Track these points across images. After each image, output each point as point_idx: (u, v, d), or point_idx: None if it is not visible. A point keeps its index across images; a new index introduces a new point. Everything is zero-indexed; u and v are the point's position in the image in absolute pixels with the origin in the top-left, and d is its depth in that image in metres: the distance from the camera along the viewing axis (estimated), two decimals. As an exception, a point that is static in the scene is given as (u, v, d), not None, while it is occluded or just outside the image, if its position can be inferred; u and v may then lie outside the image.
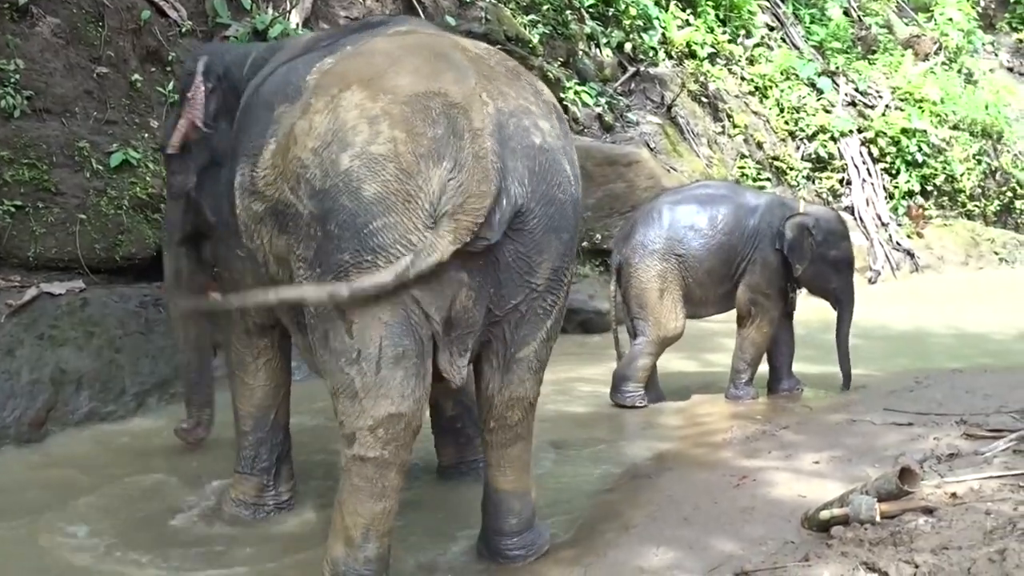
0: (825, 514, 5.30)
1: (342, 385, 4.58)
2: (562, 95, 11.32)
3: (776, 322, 8.38)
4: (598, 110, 11.66)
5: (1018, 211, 15.66)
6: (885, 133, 14.60)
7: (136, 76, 8.72)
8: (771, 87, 14.25)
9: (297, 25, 9.47)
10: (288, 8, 9.55)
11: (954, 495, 5.33)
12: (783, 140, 14.01)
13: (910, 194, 14.51)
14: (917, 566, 4.59)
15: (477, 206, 4.40)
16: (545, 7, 11.71)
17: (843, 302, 8.60)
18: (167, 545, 5.48)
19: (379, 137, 4.42)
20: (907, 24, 17.62)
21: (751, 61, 14.35)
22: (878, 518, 5.09)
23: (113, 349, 7.39)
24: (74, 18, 8.42)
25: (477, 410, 5.35)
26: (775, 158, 13.65)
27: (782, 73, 14.44)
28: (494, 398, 4.96)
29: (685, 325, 8.30)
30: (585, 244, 10.75)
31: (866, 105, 15.04)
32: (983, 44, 18.08)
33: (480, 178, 4.42)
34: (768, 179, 13.32)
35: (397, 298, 4.44)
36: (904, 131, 14.64)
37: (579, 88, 11.61)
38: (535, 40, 11.37)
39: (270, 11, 9.35)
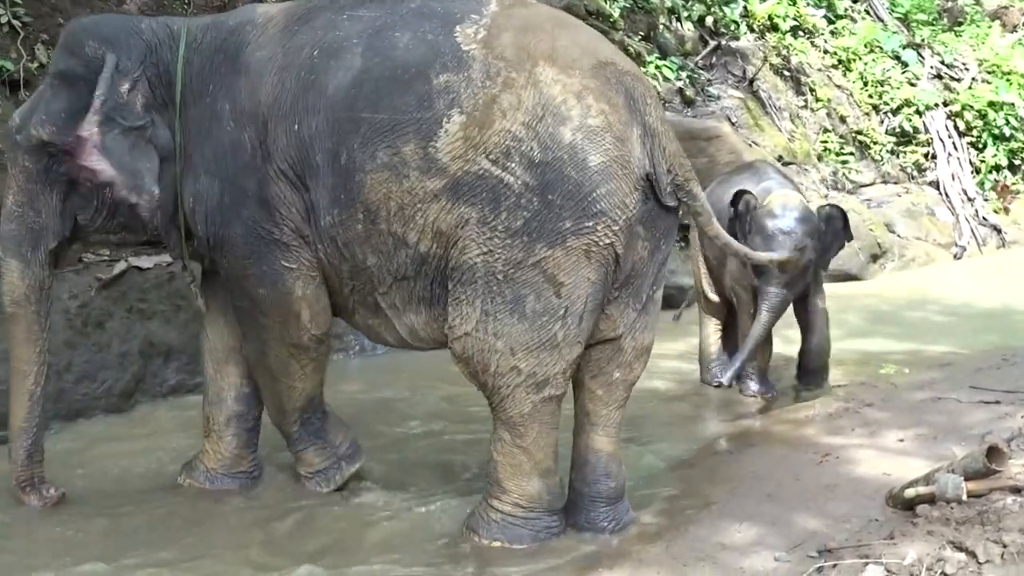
0: (910, 492, 5.27)
1: (542, 341, 4.96)
2: (643, 69, 11.27)
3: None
4: (679, 84, 11.61)
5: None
6: (971, 106, 14.37)
7: (221, 51, 8.78)
8: (854, 60, 14.09)
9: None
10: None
11: (1043, 475, 5.29)
12: (867, 114, 13.84)
13: (997, 168, 14.28)
14: (1005, 546, 4.56)
15: (683, 162, 5.12)
16: (626, -20, 11.68)
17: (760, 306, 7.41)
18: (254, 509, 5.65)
19: (591, 110, 4.87)
20: (995, -5, 17.34)
21: (834, 34, 14.18)
22: (965, 497, 5.05)
23: (199, 322, 7.52)
24: (154, -6, 8.54)
25: (591, 369, 5.47)
26: (858, 132, 13.50)
27: (866, 46, 14.27)
28: (626, 347, 5.29)
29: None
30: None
31: (952, 78, 14.82)
32: (1074, 14, 17.72)
33: (670, 137, 5.10)
34: (851, 153, 13.18)
35: (603, 258, 4.94)
36: (991, 104, 14.41)
37: (660, 62, 11.56)
38: (615, 14, 11.33)
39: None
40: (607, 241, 4.93)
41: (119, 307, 7.19)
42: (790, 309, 7.77)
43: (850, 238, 7.80)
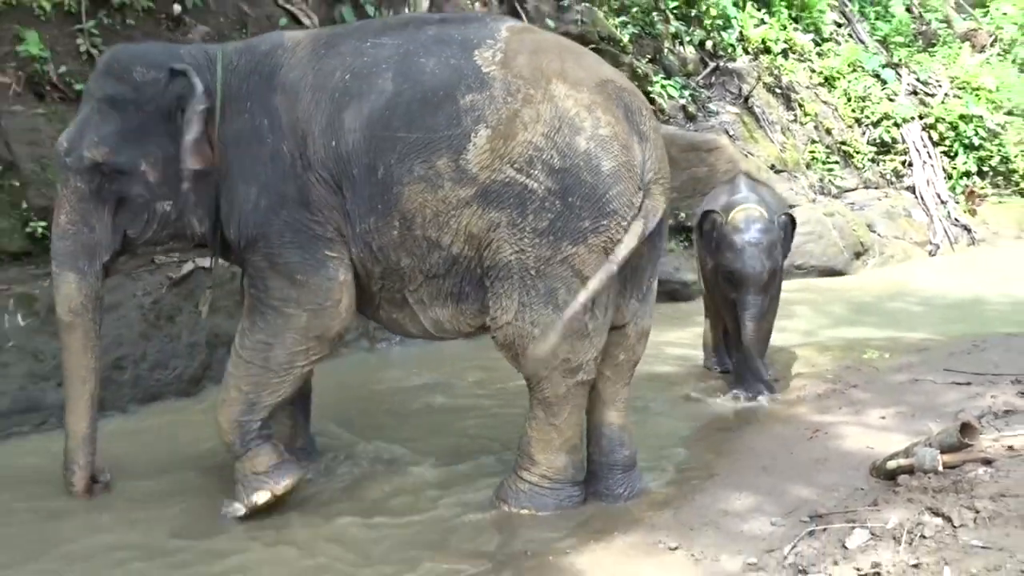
0: (892, 464, 5.25)
1: (574, 329, 5.01)
2: (650, 88, 11.25)
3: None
4: (682, 102, 11.57)
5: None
6: (944, 119, 14.31)
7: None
8: (839, 78, 14.01)
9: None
10: (408, 11, 9.58)
11: (1011, 448, 5.22)
12: (850, 127, 13.78)
13: (967, 175, 14.20)
14: (977, 511, 4.53)
15: (668, 169, 5.24)
16: (634, 9, 11.63)
17: (743, 317, 7.00)
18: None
19: (600, 122, 4.96)
20: (964, 19, 17.20)
21: (820, 55, 14.12)
22: (941, 468, 5.03)
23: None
24: (221, 26, 8.51)
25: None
26: (843, 143, 13.44)
27: (849, 66, 14.19)
28: (630, 332, 5.39)
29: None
30: (671, 222, 10.68)
31: (926, 94, 14.73)
32: (1036, 36, 17.61)
33: (662, 147, 5.23)
34: (836, 162, 13.13)
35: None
36: (962, 117, 14.34)
37: (665, 82, 11.52)
38: (625, 39, 11.31)
39: (391, 15, 9.39)
40: (620, 237, 5.00)
41: (187, 303, 7.20)
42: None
43: (791, 241, 7.46)
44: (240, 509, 5.10)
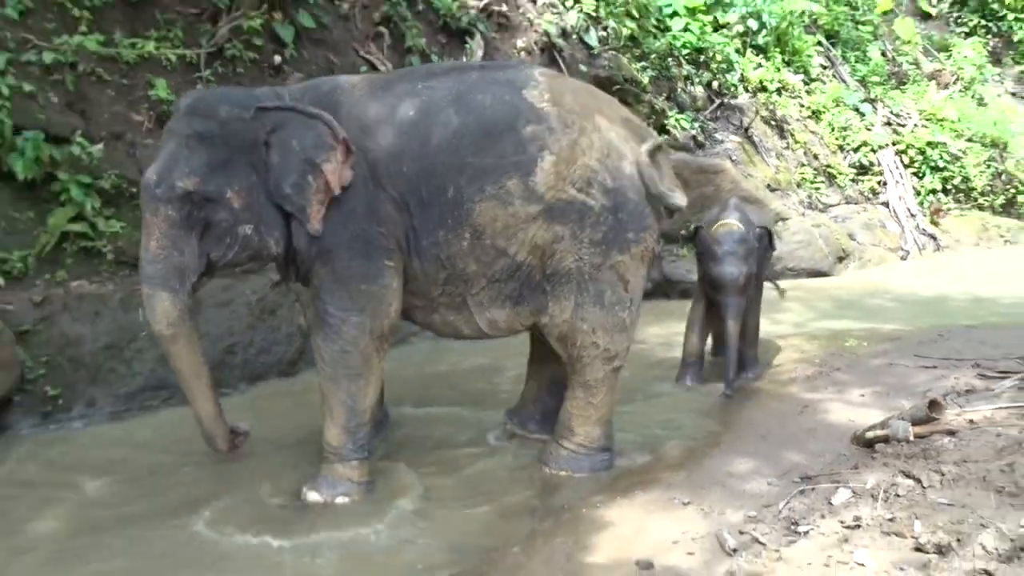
0: (870, 434, 5.24)
1: (615, 324, 5.16)
2: (666, 121, 11.26)
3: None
4: (692, 132, 11.55)
5: (1020, 204, 15.03)
6: (914, 145, 14.17)
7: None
8: (824, 112, 13.91)
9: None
10: (465, 59, 9.64)
11: (971, 421, 5.23)
12: (834, 152, 13.68)
13: (933, 192, 14.08)
14: (943, 474, 4.52)
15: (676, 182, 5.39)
16: (652, 56, 11.61)
17: (725, 316, 6.77)
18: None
19: (633, 150, 5.13)
20: (931, 61, 17.02)
21: (809, 92, 14.04)
22: (912, 438, 5.03)
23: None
24: (313, 73, 8.51)
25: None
26: (827, 166, 13.36)
27: (833, 101, 14.08)
28: None
29: None
30: (683, 232, 10.69)
31: (899, 124, 14.59)
32: (992, 75, 17.36)
33: (669, 165, 5.41)
34: (822, 182, 13.07)
35: (650, 260, 5.31)
36: (929, 143, 14.20)
37: (678, 116, 11.50)
38: (645, 81, 11.29)
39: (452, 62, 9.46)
40: (652, 247, 5.22)
41: (286, 299, 7.25)
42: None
43: (774, 249, 7.37)
44: (318, 500, 4.95)
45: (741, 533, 4.31)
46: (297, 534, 4.62)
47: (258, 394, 6.90)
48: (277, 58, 8.31)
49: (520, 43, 10.50)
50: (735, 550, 4.14)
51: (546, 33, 10.65)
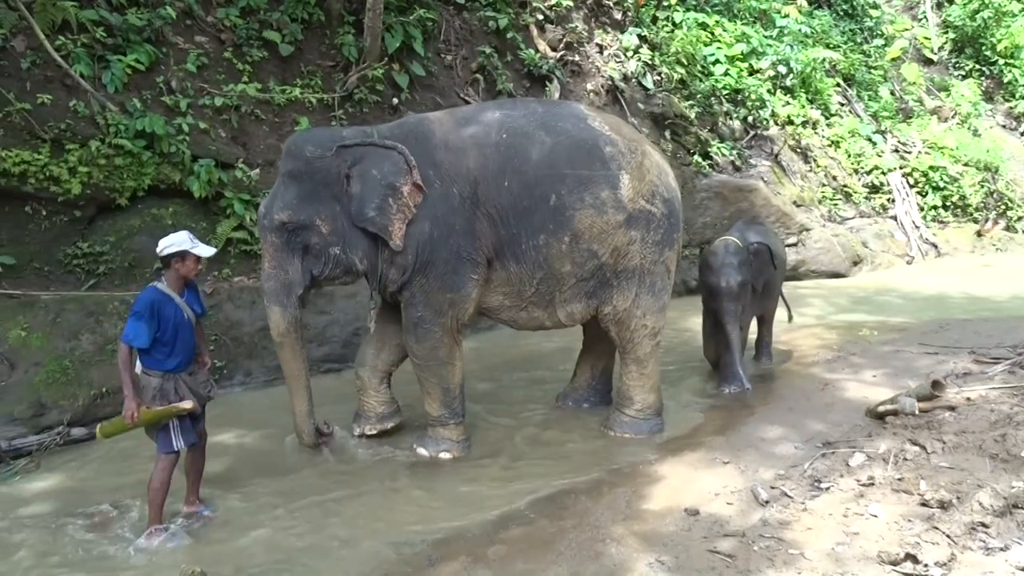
0: (882, 408, 5.10)
1: (660, 307, 5.17)
2: (709, 149, 11.06)
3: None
4: (731, 158, 11.33)
5: (1009, 218, 14.46)
6: (918, 169, 13.67)
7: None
8: (842, 141, 13.50)
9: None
10: (545, 96, 9.62)
11: (969, 399, 5.05)
12: (850, 174, 13.27)
13: (935, 208, 13.60)
14: (944, 443, 4.40)
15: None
16: (698, 96, 11.41)
17: (724, 323, 6.05)
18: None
19: (670, 168, 5.34)
20: (933, 99, 16.43)
21: (829, 125, 13.67)
22: (917, 412, 4.89)
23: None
24: (424, 111, 8.54)
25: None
26: (845, 186, 12.97)
27: (849, 132, 13.67)
28: None
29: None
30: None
31: (905, 151, 14.09)
32: (985, 111, 16.70)
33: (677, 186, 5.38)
34: (840, 199, 12.69)
35: (679, 254, 5.31)
36: (931, 167, 13.70)
37: (719, 145, 11.30)
38: (692, 116, 11.11)
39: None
40: (681, 244, 5.34)
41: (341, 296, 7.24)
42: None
43: (775, 267, 6.46)
44: (425, 455, 4.97)
45: (772, 488, 4.23)
46: (422, 472, 4.71)
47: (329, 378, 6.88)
48: (395, 100, 8.38)
49: (589, 86, 10.42)
50: (767, 501, 4.06)
51: (611, 78, 10.55)
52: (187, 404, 4.07)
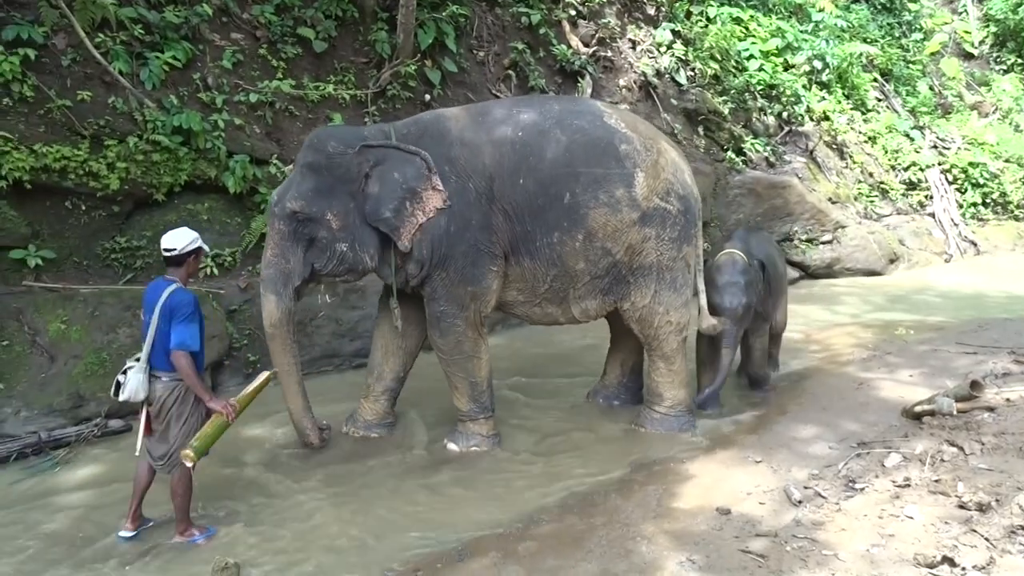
0: (918, 408, 5.02)
1: (683, 302, 5.12)
2: (743, 145, 10.93)
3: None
4: (765, 154, 11.19)
5: (1052, 215, 14.16)
6: (957, 165, 13.41)
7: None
8: (879, 137, 13.29)
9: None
10: (578, 95, 9.58)
11: (1008, 400, 4.93)
12: (887, 171, 13.05)
13: (974, 205, 13.33)
14: (983, 444, 4.32)
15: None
16: (732, 91, 11.29)
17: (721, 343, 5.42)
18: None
19: (687, 165, 5.27)
20: (973, 94, 16.12)
21: (866, 120, 13.46)
22: (955, 412, 4.81)
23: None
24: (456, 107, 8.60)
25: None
26: (881, 182, 12.75)
27: (886, 128, 13.44)
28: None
29: None
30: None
31: (944, 147, 13.83)
32: (1027, 105, 16.42)
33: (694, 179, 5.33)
34: (876, 196, 12.48)
35: (696, 249, 5.21)
36: (971, 164, 13.43)
37: (753, 141, 11.16)
38: (726, 112, 10.99)
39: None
40: (700, 240, 5.22)
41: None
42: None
43: (768, 282, 5.70)
44: (455, 450, 4.98)
45: (805, 488, 4.18)
46: (453, 468, 4.73)
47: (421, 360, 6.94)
48: (427, 97, 8.39)
49: (622, 82, 10.36)
50: (800, 501, 4.01)
51: (643, 74, 10.48)
52: (268, 373, 4.32)
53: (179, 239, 3.96)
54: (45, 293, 5.72)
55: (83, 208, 6.10)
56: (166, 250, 3.97)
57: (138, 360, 3.89)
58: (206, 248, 4.12)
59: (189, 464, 3.83)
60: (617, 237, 4.85)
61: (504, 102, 5.45)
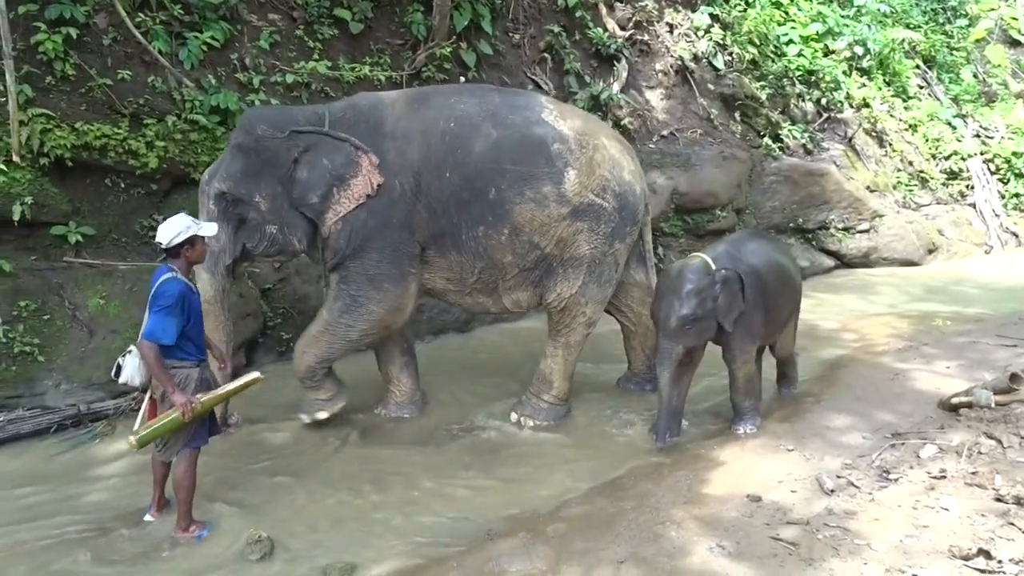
0: (955, 400, 4.95)
1: (603, 298, 5.23)
2: (780, 131, 10.78)
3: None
4: (803, 141, 11.02)
5: (1097, 207, 13.80)
6: (1000, 155, 13.13)
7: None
8: (920, 125, 13.04)
9: (618, 90, 9.39)
10: (611, 81, 9.52)
11: (1049, 393, 4.85)
12: (927, 160, 12.81)
13: (1017, 195, 13.02)
14: (1022, 437, 4.26)
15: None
16: (770, 77, 11.12)
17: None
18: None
19: (629, 162, 5.22)
20: (1019, 82, 15.75)
21: (907, 108, 13.21)
22: (993, 405, 4.73)
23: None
24: (489, 91, 8.60)
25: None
26: (921, 171, 12.52)
27: (928, 116, 13.18)
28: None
29: None
30: (792, 225, 10.29)
31: (987, 136, 13.55)
32: (1076, 94, 15.98)
33: (643, 176, 5.43)
34: (916, 185, 12.26)
35: (631, 248, 5.32)
36: (1014, 154, 13.13)
37: (791, 127, 10.99)
38: (763, 97, 10.83)
39: (600, 83, 9.34)
40: (635, 238, 5.29)
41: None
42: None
43: (745, 300, 4.68)
44: (305, 419, 5.02)
45: (838, 477, 4.15)
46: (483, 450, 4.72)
47: (439, 345, 7.02)
48: (462, 79, 8.37)
49: (658, 66, 10.26)
50: (832, 491, 3.98)
51: (680, 58, 10.37)
52: (256, 374, 4.13)
53: (167, 232, 3.79)
54: (85, 269, 5.81)
55: (122, 186, 6.19)
56: (157, 243, 3.86)
57: None
58: (205, 233, 3.91)
59: (128, 447, 3.78)
60: (545, 231, 4.88)
61: (445, 89, 5.66)
